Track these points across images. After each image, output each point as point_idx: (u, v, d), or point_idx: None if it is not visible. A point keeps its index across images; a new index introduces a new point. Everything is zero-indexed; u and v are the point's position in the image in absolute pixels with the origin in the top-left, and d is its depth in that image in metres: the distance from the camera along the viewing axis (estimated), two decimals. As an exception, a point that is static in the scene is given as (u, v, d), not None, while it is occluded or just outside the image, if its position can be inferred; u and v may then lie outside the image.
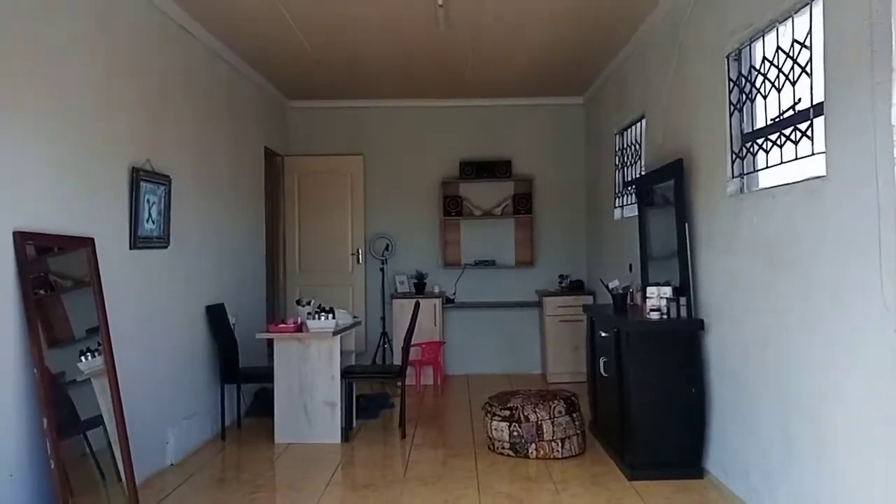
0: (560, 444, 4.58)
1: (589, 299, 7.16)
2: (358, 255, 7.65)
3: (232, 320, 5.67)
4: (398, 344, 7.04)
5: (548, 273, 7.62)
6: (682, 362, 4.14)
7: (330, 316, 5.03)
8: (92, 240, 3.68)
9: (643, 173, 5.43)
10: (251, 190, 6.52)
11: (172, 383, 4.63)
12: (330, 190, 7.68)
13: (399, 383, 5.23)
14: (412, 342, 5.47)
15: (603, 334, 4.76)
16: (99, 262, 3.70)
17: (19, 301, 3.07)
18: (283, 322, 5.24)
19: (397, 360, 7.03)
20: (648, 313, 4.23)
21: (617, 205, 6.40)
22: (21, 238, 3.06)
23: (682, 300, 4.18)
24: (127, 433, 3.66)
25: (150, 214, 4.36)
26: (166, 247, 4.58)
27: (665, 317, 4.19)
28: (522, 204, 7.60)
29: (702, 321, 4.15)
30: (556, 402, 4.68)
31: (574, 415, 4.71)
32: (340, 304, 7.44)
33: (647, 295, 4.29)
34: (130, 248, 4.13)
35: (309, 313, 5.12)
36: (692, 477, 4.11)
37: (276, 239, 7.58)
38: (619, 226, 6.28)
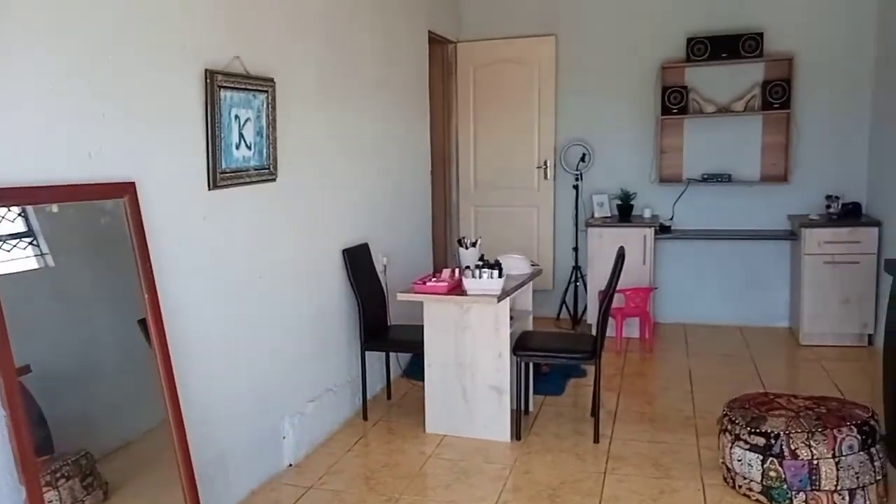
0: (848, 499, 2.88)
1: (870, 234, 5.04)
2: (546, 169, 6.04)
3: (383, 262, 4.46)
4: (593, 284, 5.49)
5: (809, 193, 5.51)
6: None
7: (495, 273, 3.59)
8: (132, 185, 2.50)
9: None
10: (411, 89, 5.12)
11: (291, 359, 3.53)
12: (513, 84, 6.06)
13: (594, 365, 3.73)
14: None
15: (937, 326, 2.87)
16: (148, 213, 2.54)
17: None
18: (436, 275, 3.90)
19: (592, 303, 5.53)
20: None
21: (943, 97, 4.15)
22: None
23: None
24: (186, 437, 2.57)
25: (241, 137, 3.12)
26: (273, 179, 3.36)
27: None
28: (777, 94, 5.45)
29: None
30: (843, 429, 2.94)
31: (873, 450, 2.96)
32: (524, 231, 6.05)
33: None
34: (210, 188, 2.93)
35: (468, 267, 3.72)
36: None
37: (447, 149, 6.19)
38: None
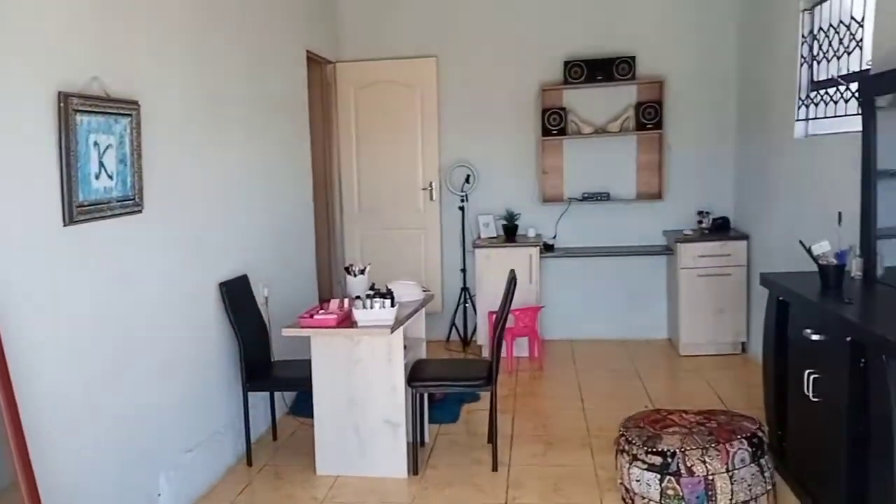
0: (743, 511, 2.94)
1: (740, 247, 5.30)
2: (431, 190, 5.98)
3: (263, 294, 4.19)
4: (482, 305, 5.46)
5: (682, 209, 5.75)
6: None
7: (387, 302, 3.45)
8: (-32, 224, 2.17)
9: (872, 68, 3.45)
10: (289, 111, 4.89)
11: (164, 407, 3.21)
12: (396, 105, 5.96)
13: (490, 390, 3.66)
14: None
15: (815, 337, 2.99)
16: (-10, 258, 2.22)
17: None
18: (324, 306, 3.70)
19: (481, 323, 5.49)
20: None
21: (801, 117, 4.42)
22: None
23: None
24: (39, 502, 2.25)
25: (101, 165, 2.81)
26: (139, 210, 3.05)
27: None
28: (649, 115, 5.66)
29: None
30: (734, 442, 3.00)
31: (762, 460, 3.05)
32: (411, 254, 5.95)
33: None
34: (66, 224, 2.61)
35: (357, 296, 3.55)
36: None
37: (329, 172, 6.00)
38: (805, 147, 4.35)
